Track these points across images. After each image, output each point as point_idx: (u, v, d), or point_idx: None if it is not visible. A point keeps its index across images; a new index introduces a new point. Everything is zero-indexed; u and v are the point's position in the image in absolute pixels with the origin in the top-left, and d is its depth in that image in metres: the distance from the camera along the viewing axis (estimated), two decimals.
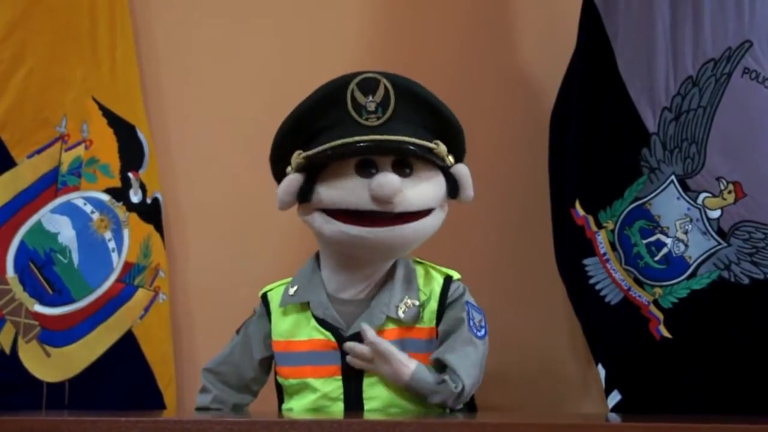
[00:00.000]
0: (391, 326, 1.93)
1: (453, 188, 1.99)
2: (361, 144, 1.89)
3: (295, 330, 1.98)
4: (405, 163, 1.94)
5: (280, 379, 2.02)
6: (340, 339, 1.94)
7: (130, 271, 2.47)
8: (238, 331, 2.08)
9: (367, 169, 1.92)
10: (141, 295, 2.48)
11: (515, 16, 2.62)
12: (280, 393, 2.04)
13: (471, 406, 2.05)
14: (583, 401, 2.52)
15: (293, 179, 1.95)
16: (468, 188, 2.01)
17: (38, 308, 2.41)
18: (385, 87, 1.90)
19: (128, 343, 2.45)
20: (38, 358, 2.40)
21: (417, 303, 1.95)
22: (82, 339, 2.42)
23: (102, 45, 2.52)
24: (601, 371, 2.28)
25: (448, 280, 1.99)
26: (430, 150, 1.94)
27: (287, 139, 1.97)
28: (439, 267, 2.02)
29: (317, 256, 2.04)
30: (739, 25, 2.18)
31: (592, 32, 2.30)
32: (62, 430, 1.52)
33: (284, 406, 2.02)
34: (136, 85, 2.58)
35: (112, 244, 2.46)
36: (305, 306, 1.98)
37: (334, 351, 1.94)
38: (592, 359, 2.34)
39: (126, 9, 2.58)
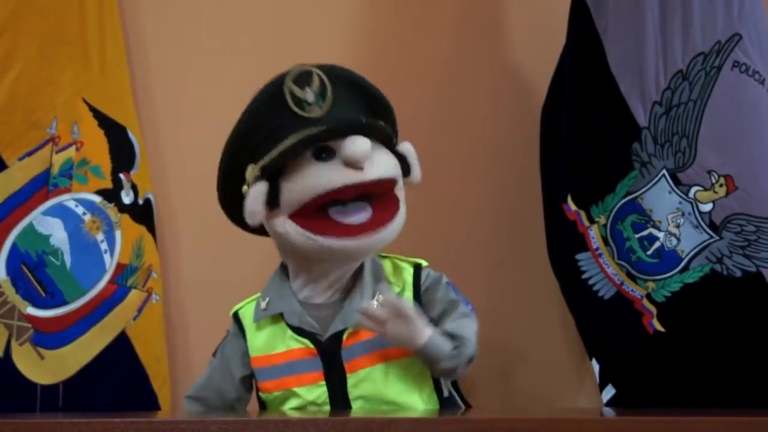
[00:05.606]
0: None
1: (405, 167, 1.97)
2: (312, 134, 1.86)
3: (272, 343, 1.96)
4: None
5: (262, 395, 1.99)
6: (318, 345, 1.92)
7: (123, 272, 2.46)
8: (214, 354, 2.05)
9: (324, 154, 1.89)
10: (134, 296, 2.47)
11: (505, 12, 2.62)
12: (263, 409, 2.01)
13: (463, 402, 2.05)
14: (577, 396, 2.52)
15: (258, 188, 1.90)
16: (417, 165, 1.99)
17: (31, 311, 2.40)
18: (319, 75, 1.89)
19: (122, 345, 2.45)
20: (32, 360, 2.40)
21: None
22: (75, 341, 2.42)
23: (92, 46, 2.51)
24: (595, 366, 2.29)
25: (417, 268, 1.98)
26: (380, 127, 1.93)
27: (237, 158, 1.93)
28: (405, 258, 2.00)
29: (283, 267, 2.02)
30: (729, 18, 2.19)
31: (582, 27, 2.30)
32: None
33: None
34: (126, 86, 2.58)
35: (104, 246, 2.46)
36: (279, 318, 1.96)
37: (314, 357, 1.92)
38: (585, 354, 2.34)
39: (115, 10, 2.57)
